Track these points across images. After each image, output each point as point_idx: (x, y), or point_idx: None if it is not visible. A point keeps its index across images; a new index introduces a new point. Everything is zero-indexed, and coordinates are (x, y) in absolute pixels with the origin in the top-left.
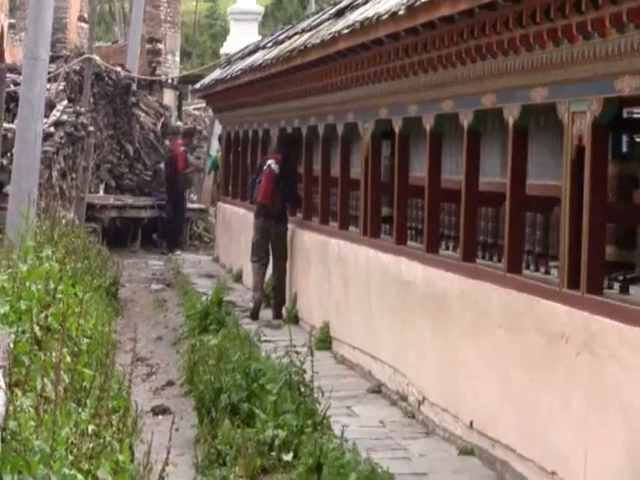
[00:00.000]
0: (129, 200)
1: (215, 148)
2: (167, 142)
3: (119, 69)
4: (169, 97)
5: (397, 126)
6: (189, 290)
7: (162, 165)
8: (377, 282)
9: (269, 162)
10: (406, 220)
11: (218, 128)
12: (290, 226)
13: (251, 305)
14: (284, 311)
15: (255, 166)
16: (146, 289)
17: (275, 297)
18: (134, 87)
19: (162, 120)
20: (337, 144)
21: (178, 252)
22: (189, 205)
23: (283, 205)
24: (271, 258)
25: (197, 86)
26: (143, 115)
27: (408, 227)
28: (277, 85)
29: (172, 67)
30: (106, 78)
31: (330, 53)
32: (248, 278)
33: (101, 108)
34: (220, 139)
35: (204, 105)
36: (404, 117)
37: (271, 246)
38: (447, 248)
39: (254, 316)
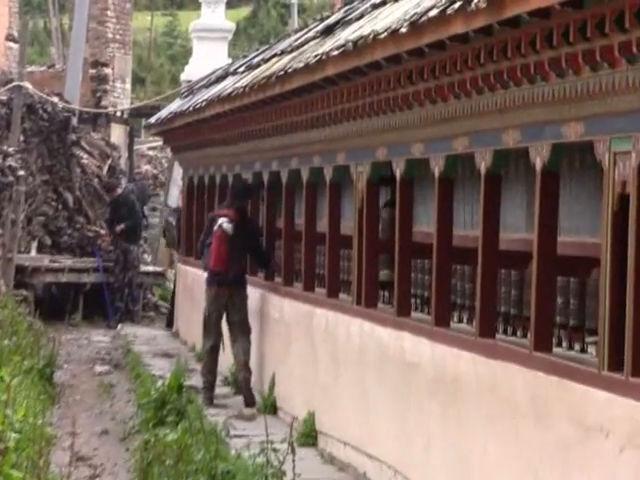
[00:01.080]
0: (68, 262)
1: (175, 198)
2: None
3: (56, 99)
4: (118, 134)
5: (398, 169)
6: (142, 373)
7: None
8: (374, 363)
9: (220, 221)
10: (410, 286)
11: (178, 172)
12: (259, 292)
13: (203, 394)
14: (258, 398)
15: (207, 224)
16: (89, 371)
17: (245, 380)
18: (74, 122)
19: (109, 162)
20: (324, 192)
21: (128, 325)
22: (143, 267)
23: (241, 271)
24: (229, 335)
25: (152, 120)
26: (86, 156)
27: (412, 294)
28: (251, 119)
29: (122, 97)
30: (40, 111)
31: (316, 80)
32: None
33: (34, 148)
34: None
35: (161, 144)
36: (407, 158)
37: (228, 321)
38: (460, 321)
39: (208, 401)
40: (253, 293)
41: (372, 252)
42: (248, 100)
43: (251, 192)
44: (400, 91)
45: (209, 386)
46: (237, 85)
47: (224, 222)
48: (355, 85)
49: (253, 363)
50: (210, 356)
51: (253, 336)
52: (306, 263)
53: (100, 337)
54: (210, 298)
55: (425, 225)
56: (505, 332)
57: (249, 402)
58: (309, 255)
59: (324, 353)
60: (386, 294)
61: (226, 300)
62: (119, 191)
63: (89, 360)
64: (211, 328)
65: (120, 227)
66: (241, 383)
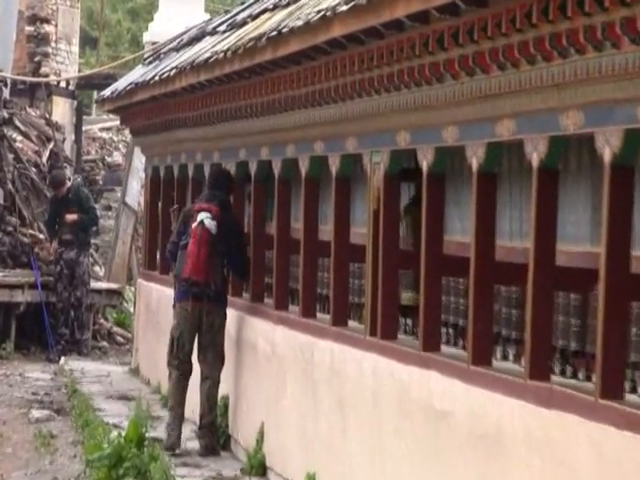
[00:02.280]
0: None
1: (135, 194)
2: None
3: None
4: (62, 110)
5: (425, 160)
6: (92, 420)
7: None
8: (392, 410)
9: (201, 217)
10: (439, 312)
11: (140, 161)
12: (239, 313)
13: (167, 434)
14: (242, 456)
15: (177, 221)
16: (22, 417)
17: (210, 424)
18: (5, 94)
19: (50, 147)
20: (329, 188)
21: (74, 358)
22: (93, 283)
23: (222, 282)
24: (198, 362)
25: (107, 93)
26: (20, 138)
27: (442, 323)
28: (234, 93)
29: (67, 62)
30: None
31: (319, 43)
32: None
33: None
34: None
35: (117, 124)
36: (437, 146)
37: (199, 344)
38: (505, 357)
39: (171, 448)
40: (231, 313)
41: (391, 267)
42: (231, 68)
43: (232, 181)
44: (428, 59)
45: (176, 424)
46: (217, 49)
47: (206, 218)
48: (369, 50)
49: (232, 408)
50: (177, 386)
51: (230, 372)
52: (305, 280)
53: (38, 373)
54: (182, 315)
55: (459, 233)
56: (563, 373)
57: (210, 448)
58: (309, 270)
59: (328, 397)
60: (409, 322)
61: (202, 318)
62: (66, 186)
63: (23, 403)
64: (180, 353)
65: (72, 217)
66: (205, 426)
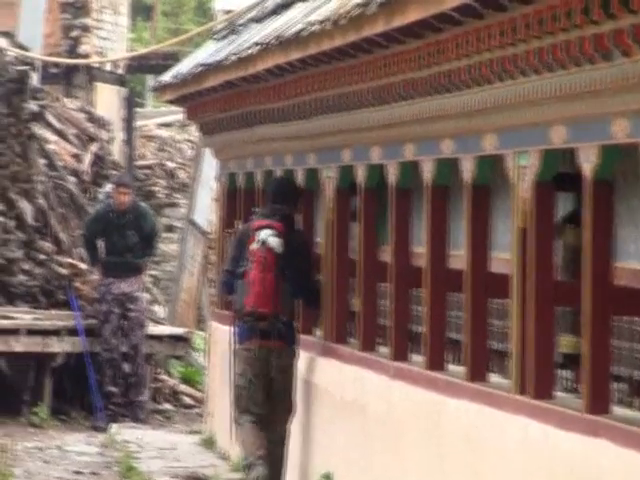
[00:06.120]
0: (25, 318)
1: (204, 208)
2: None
3: (3, 43)
4: (109, 101)
5: (587, 161)
6: None
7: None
8: None
9: (262, 235)
10: (608, 361)
11: (211, 167)
12: (307, 355)
13: None
14: None
15: (234, 242)
16: None
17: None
18: (35, 81)
19: (93, 149)
20: (460, 200)
21: (128, 426)
22: (151, 328)
23: (292, 314)
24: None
25: (166, 78)
26: (54, 139)
27: (612, 376)
28: (335, 76)
29: (114, 38)
30: None
31: (446, 9)
32: None
33: None
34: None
35: (181, 118)
36: (602, 144)
37: (266, 389)
38: None
39: None
40: (330, 365)
41: (545, 304)
42: (330, 44)
43: (299, 194)
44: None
45: (260, 462)
46: (311, 19)
47: (269, 236)
48: (524, 15)
49: None
50: (252, 431)
51: (331, 439)
52: (431, 322)
53: (81, 446)
54: (247, 358)
55: (635, 258)
56: None
57: None
58: (437, 309)
59: (461, 473)
60: (568, 375)
61: (271, 360)
62: (129, 199)
63: None
64: (252, 405)
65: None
66: None
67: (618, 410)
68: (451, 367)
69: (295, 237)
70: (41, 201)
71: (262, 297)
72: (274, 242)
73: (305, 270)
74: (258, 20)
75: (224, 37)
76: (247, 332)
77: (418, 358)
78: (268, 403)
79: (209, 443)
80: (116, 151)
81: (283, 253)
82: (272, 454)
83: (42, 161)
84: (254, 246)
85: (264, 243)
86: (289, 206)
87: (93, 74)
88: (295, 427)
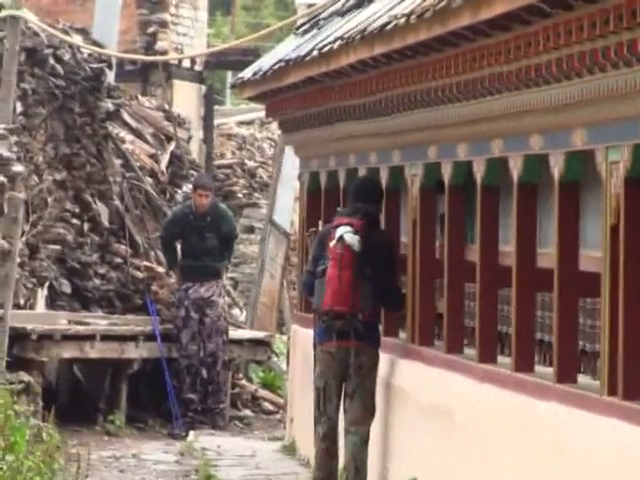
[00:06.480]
0: (101, 323)
1: (286, 208)
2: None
3: (78, 40)
4: (187, 99)
5: None
6: None
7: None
8: None
9: (340, 231)
10: None
11: (293, 166)
12: (388, 357)
13: None
14: None
15: (316, 241)
16: None
17: None
18: (110, 78)
19: (171, 148)
20: (549, 197)
21: (207, 433)
22: (231, 332)
23: (373, 313)
24: (342, 414)
25: (247, 74)
26: (130, 138)
27: None
28: (420, 71)
29: (193, 34)
30: (51, 60)
31: (535, 1)
32: None
33: (40, 124)
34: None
35: (262, 115)
36: None
37: (345, 390)
38: None
39: None
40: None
41: (635, 302)
42: (415, 38)
43: (381, 193)
44: None
45: None
46: (395, 12)
47: (346, 233)
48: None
49: None
50: (324, 447)
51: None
52: (518, 321)
53: (158, 454)
54: (325, 359)
55: None
56: None
57: None
58: (524, 308)
59: (555, 477)
60: None
61: (349, 360)
62: (209, 200)
63: None
64: (327, 405)
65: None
66: None
67: None
68: (540, 369)
69: (376, 236)
70: (117, 203)
71: (339, 295)
72: (351, 239)
73: (385, 271)
74: (341, 14)
75: (306, 32)
76: (325, 332)
77: (505, 360)
78: (344, 403)
79: (290, 450)
80: (194, 150)
81: (362, 251)
82: (356, 459)
83: (118, 161)
84: (333, 244)
85: (341, 239)
86: (371, 205)
87: (171, 71)
88: (373, 430)
